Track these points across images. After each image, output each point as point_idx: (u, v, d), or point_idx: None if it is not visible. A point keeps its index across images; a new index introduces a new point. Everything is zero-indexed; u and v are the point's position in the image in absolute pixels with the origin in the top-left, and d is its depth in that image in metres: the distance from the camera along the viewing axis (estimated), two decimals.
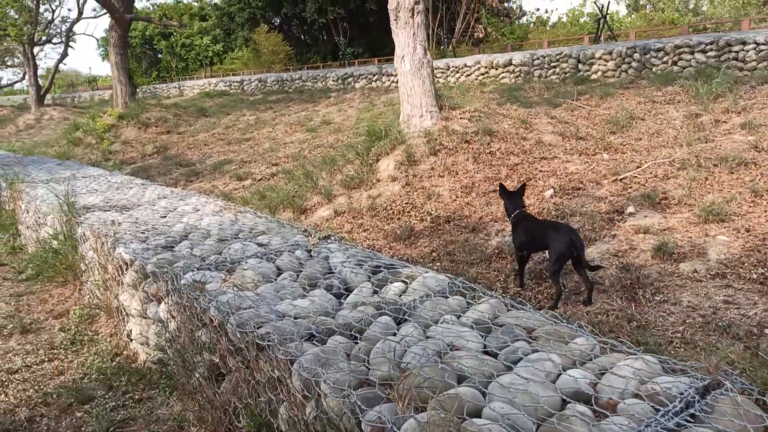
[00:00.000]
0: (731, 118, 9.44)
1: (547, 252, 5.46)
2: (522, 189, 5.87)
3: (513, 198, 5.79)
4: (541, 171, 8.47)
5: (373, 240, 7.52)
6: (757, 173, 7.11)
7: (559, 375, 2.41)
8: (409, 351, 2.67)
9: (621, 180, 7.77)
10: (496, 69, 19.99)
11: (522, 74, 19.15)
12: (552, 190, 7.82)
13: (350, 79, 25.68)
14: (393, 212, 8.09)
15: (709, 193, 6.84)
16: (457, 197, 8.13)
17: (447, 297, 3.58)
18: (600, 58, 16.80)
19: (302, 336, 2.92)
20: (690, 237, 5.97)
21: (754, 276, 5.03)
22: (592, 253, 6.03)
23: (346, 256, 4.87)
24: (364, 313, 3.30)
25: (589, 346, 2.73)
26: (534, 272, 5.96)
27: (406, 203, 8.21)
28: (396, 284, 3.93)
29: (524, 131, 9.70)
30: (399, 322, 3.17)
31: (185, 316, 3.83)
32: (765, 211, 6.12)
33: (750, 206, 6.29)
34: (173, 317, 4.10)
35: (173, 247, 4.92)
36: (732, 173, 7.26)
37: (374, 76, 24.67)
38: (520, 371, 2.41)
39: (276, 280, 4.15)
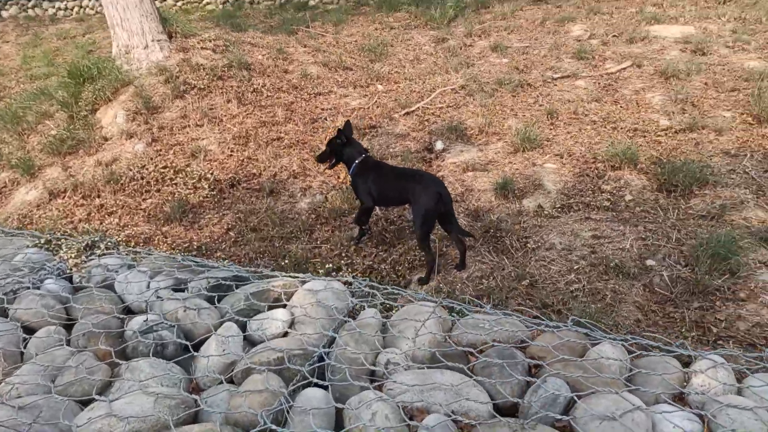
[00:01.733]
0: (476, 42, 9.52)
1: (408, 209, 4.38)
2: (348, 126, 4.60)
3: (353, 142, 4.49)
4: (322, 109, 7.15)
5: (132, 227, 5.27)
6: (535, 94, 7.12)
7: None
8: None
9: (412, 113, 7.01)
10: None
11: (229, 1, 16.89)
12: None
13: None
14: (147, 182, 5.85)
15: (505, 118, 6.56)
16: (232, 152, 6.28)
17: (370, 317, 2.23)
18: None
19: None
20: (517, 169, 5.54)
21: (605, 204, 4.81)
22: None
23: (148, 275, 2.95)
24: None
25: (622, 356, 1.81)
26: (382, 235, 4.80)
27: (164, 167, 6.03)
28: (274, 314, 2.41)
29: (284, 63, 8.12)
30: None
31: None
32: (568, 133, 6.07)
33: (551, 129, 6.19)
34: None
35: None
36: (514, 96, 7.15)
37: (29, 1, 19.00)
38: None
39: (24, 362, 2.16)
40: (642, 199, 4.81)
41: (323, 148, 4.73)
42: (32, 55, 12.24)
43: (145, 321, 2.58)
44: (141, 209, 5.56)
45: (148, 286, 2.86)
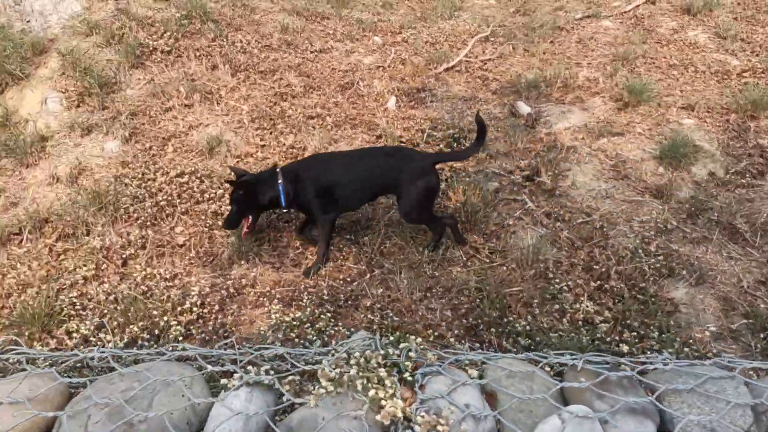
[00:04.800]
0: None
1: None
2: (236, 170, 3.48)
3: (255, 175, 3.40)
4: (338, 71, 5.41)
5: (182, 278, 3.33)
6: (574, 38, 6.19)
7: None
8: None
9: (452, 68, 5.64)
10: None
11: None
12: (394, 97, 5.06)
13: None
14: (168, 202, 3.78)
15: (569, 68, 5.53)
16: (263, 140, 4.39)
17: None
18: None
19: None
20: (649, 129, 4.62)
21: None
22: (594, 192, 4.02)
23: None
24: None
25: None
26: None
27: (177, 175, 3.96)
28: None
29: (245, 11, 6.03)
30: None
31: None
32: (660, 80, 5.26)
33: (638, 78, 5.33)
34: None
35: None
36: (552, 42, 6.14)
37: None
38: None
39: None
40: None
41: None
42: None
43: None
44: (175, 248, 3.55)
45: None
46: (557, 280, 3.28)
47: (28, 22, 4.96)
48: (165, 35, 5.00)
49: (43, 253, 3.46)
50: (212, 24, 5.37)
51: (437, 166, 3.48)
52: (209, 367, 1.73)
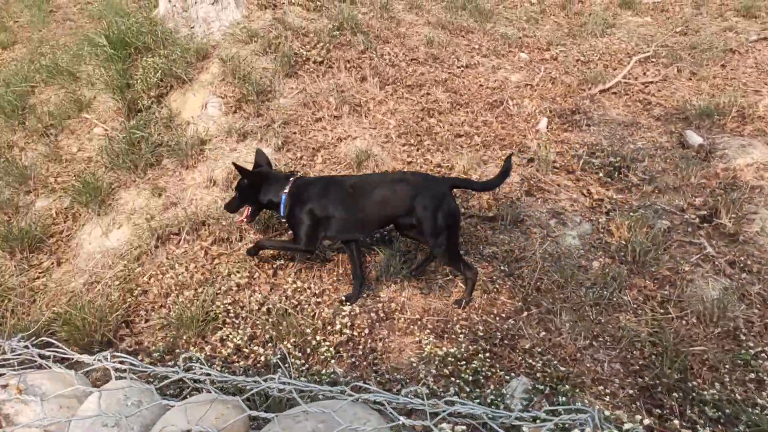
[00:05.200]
0: None
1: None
2: (261, 155, 3.52)
3: (268, 173, 3.38)
4: (486, 87, 5.19)
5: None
6: (749, 62, 5.55)
7: None
8: None
9: (608, 90, 5.23)
10: None
11: None
12: (546, 118, 4.76)
13: None
14: None
15: (745, 95, 4.93)
16: (409, 156, 4.27)
17: None
18: None
19: None
20: None
21: None
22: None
23: None
24: None
25: None
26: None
27: None
28: None
29: (390, 23, 5.99)
30: None
31: None
32: None
33: None
34: None
35: None
36: (723, 66, 5.54)
37: None
38: None
39: None
40: None
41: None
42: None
43: None
44: (323, 263, 3.49)
45: None
46: (750, 344, 2.84)
47: (192, 28, 5.21)
48: (318, 45, 5.05)
49: (200, 256, 3.53)
50: (362, 36, 5.35)
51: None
52: (401, 419, 1.56)
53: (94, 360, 1.84)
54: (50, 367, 1.80)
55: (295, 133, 4.40)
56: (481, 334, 2.97)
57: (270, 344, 2.94)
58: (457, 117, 4.73)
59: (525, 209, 3.87)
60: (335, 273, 3.43)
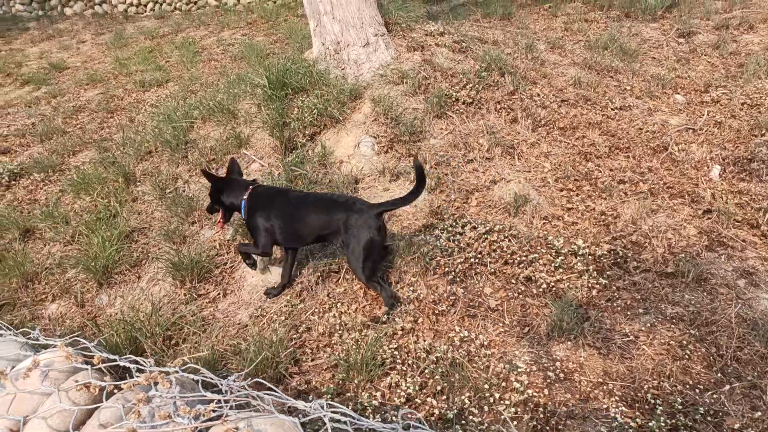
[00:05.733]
0: (739, 36, 7.21)
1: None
2: (233, 165, 3.77)
3: (231, 181, 3.67)
4: (640, 129, 4.88)
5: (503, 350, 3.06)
6: None
7: None
8: None
9: None
10: None
11: None
12: (718, 166, 4.37)
13: (53, 1, 17.32)
14: (482, 261, 3.61)
15: None
16: (569, 202, 4.05)
17: None
18: None
19: None
20: None
21: None
22: None
23: None
24: None
25: None
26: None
27: (486, 232, 3.78)
28: None
29: (534, 63, 5.86)
30: None
31: None
32: None
33: None
34: None
35: None
36: None
37: None
38: None
39: None
40: None
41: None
42: (126, 58, 10.10)
43: None
44: (487, 311, 3.33)
45: None
46: None
47: (343, 69, 5.37)
48: (467, 86, 5.00)
49: (359, 295, 3.50)
50: (510, 76, 5.26)
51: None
52: None
53: (310, 407, 1.79)
54: (272, 411, 1.76)
55: (446, 174, 4.33)
56: (679, 406, 2.65)
57: (442, 396, 2.80)
58: (617, 162, 4.47)
59: (707, 266, 3.51)
60: (501, 323, 3.26)
